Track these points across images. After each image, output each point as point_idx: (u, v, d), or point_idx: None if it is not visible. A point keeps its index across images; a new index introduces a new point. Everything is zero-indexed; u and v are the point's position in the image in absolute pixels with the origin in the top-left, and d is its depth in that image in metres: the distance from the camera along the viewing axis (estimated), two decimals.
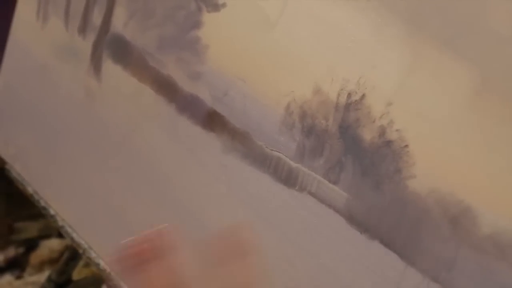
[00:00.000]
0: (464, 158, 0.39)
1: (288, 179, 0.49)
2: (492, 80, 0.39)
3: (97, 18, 0.64)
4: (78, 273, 0.98)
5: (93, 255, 0.63)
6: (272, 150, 0.50)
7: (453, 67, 0.40)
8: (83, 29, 0.66)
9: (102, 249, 0.63)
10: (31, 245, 1.19)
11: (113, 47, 0.63)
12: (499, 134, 0.38)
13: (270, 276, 0.50)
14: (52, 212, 0.68)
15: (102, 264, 0.62)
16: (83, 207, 0.66)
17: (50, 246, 1.18)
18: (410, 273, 0.42)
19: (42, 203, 0.69)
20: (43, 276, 1.00)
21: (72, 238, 0.65)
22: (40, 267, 1.15)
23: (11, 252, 1.15)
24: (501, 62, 0.38)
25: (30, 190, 0.71)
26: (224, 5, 0.53)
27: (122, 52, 0.62)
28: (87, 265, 0.95)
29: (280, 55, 0.49)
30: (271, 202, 0.50)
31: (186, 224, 0.55)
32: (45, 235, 1.20)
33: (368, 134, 0.44)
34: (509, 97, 0.38)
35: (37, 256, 1.17)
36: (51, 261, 1.14)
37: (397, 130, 0.43)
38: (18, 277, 1.13)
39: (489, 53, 0.39)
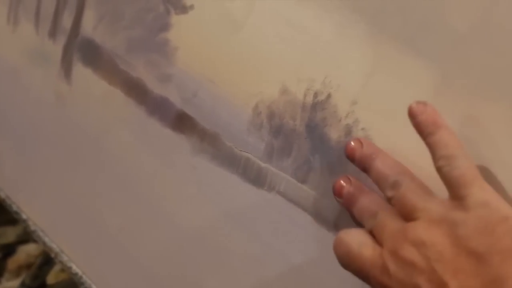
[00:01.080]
0: (427, 155, 0.40)
1: (257, 179, 0.49)
2: (451, 77, 0.39)
3: (67, 21, 0.64)
4: (55, 278, 0.97)
5: (65, 258, 0.62)
6: (241, 150, 0.50)
7: (414, 66, 0.41)
8: (53, 33, 0.66)
9: (74, 253, 0.63)
10: (8, 250, 1.19)
11: (83, 51, 0.63)
12: (459, 132, 0.39)
13: (240, 275, 0.50)
14: (24, 216, 0.67)
15: (74, 267, 0.62)
16: (55, 211, 0.65)
17: (28, 251, 1.17)
18: None
19: (15, 208, 0.69)
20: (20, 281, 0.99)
21: (44, 243, 0.64)
22: (17, 272, 1.14)
23: None
24: (459, 59, 0.39)
25: (2, 195, 0.70)
26: (192, 7, 0.54)
27: (92, 55, 0.62)
28: (63, 269, 0.94)
29: (247, 56, 0.50)
30: (241, 202, 0.50)
31: (157, 225, 0.55)
32: (23, 240, 1.19)
33: (334, 133, 0.45)
34: (468, 94, 0.39)
35: (14, 261, 1.16)
36: (29, 266, 1.13)
37: (362, 129, 0.43)
38: None
39: (447, 51, 0.39)
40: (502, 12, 0.38)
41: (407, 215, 0.37)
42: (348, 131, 0.44)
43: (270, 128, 0.48)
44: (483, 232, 0.33)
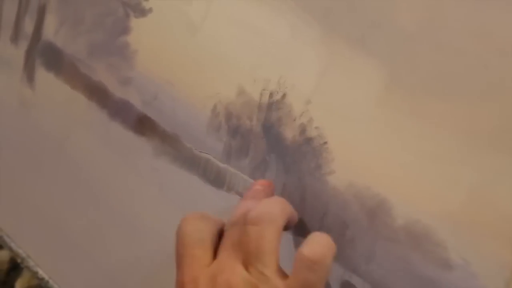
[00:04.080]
0: (378, 152, 0.41)
1: (217, 180, 0.49)
2: (400, 75, 0.40)
3: (28, 26, 0.64)
4: (27, 282, 0.97)
5: (31, 263, 0.62)
6: (200, 152, 0.50)
7: (364, 64, 0.41)
8: (15, 38, 0.66)
9: (40, 258, 0.63)
10: None
11: (45, 55, 0.63)
12: (408, 128, 0.39)
13: None
14: None
15: (41, 272, 0.61)
16: (20, 216, 0.65)
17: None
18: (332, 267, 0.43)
19: None
20: None
21: (10, 248, 0.64)
22: None
23: None
24: (408, 57, 0.40)
25: None
26: (150, 10, 0.54)
27: (54, 59, 0.62)
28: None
29: (205, 58, 0.50)
30: (201, 203, 0.50)
31: (120, 228, 0.56)
32: None
33: (289, 133, 0.45)
34: (416, 91, 0.39)
35: None
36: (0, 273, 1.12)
37: (316, 128, 0.44)
38: None
39: (396, 49, 0.40)
40: (447, 11, 0.39)
41: None
42: (303, 130, 0.44)
43: (228, 128, 0.48)
44: None
